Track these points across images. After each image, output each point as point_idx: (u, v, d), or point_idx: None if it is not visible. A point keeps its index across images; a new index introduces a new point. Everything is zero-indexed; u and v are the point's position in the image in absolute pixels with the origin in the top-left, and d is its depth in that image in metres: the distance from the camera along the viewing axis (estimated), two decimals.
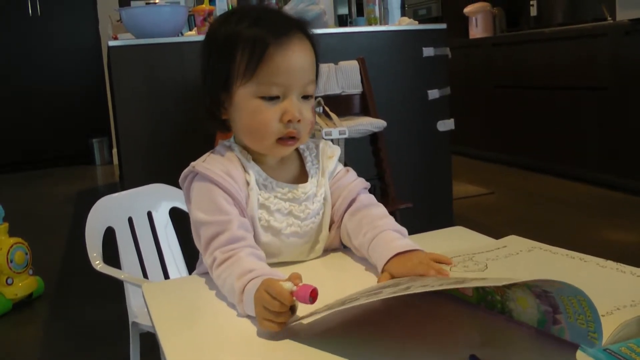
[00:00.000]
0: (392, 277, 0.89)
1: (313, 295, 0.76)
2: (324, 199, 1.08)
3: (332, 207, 1.08)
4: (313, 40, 1.04)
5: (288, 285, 0.77)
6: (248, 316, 0.84)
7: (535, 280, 0.64)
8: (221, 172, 1.00)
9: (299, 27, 1.02)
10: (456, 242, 1.07)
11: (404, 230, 1.01)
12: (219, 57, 1.01)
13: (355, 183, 1.10)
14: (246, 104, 0.99)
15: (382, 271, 0.92)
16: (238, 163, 1.03)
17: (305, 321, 0.78)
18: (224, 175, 0.99)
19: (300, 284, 0.78)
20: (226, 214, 0.97)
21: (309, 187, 1.06)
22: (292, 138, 1.00)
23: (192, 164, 1.03)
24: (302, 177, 1.08)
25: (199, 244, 0.99)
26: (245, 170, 1.03)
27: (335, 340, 0.75)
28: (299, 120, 0.99)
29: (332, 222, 1.09)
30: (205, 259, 0.96)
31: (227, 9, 3.18)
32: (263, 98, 0.98)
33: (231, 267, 0.90)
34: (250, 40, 0.97)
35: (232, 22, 1.02)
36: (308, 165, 1.09)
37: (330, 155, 1.11)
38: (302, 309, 0.79)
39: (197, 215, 0.99)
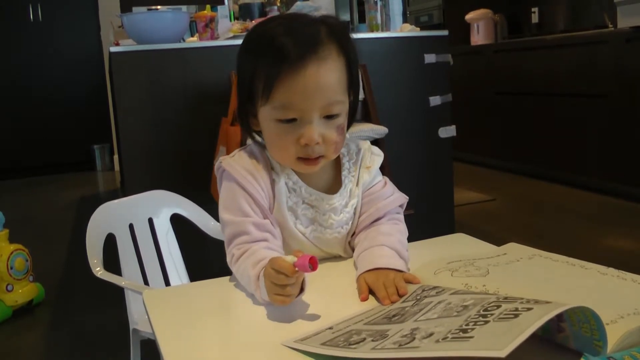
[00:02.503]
0: (367, 284, 0.89)
1: (312, 263, 0.79)
2: (355, 209, 1.05)
3: (359, 218, 1.06)
4: (347, 52, 0.96)
5: (289, 259, 0.81)
6: (249, 320, 0.85)
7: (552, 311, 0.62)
8: (245, 171, 0.99)
9: (332, 37, 0.94)
10: (457, 249, 1.07)
11: (404, 253, 0.98)
12: (244, 75, 0.99)
13: (387, 201, 1.06)
14: (266, 124, 0.97)
15: (358, 279, 0.93)
16: (267, 163, 1.01)
17: (302, 345, 0.77)
18: (247, 176, 0.99)
19: (300, 255, 0.80)
20: (246, 216, 0.97)
21: (336, 199, 1.02)
22: (315, 158, 0.96)
23: (221, 157, 1.03)
24: (336, 184, 1.05)
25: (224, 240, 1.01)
26: (274, 171, 1.01)
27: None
28: (317, 143, 0.94)
29: (353, 232, 1.07)
30: (227, 256, 0.99)
31: (228, 15, 3.18)
32: (280, 121, 0.94)
33: (247, 259, 0.92)
34: (264, 64, 0.93)
35: (254, 42, 0.98)
36: (344, 173, 1.05)
37: (368, 166, 1.06)
38: (306, 324, 0.78)
39: (221, 212, 1.00)
